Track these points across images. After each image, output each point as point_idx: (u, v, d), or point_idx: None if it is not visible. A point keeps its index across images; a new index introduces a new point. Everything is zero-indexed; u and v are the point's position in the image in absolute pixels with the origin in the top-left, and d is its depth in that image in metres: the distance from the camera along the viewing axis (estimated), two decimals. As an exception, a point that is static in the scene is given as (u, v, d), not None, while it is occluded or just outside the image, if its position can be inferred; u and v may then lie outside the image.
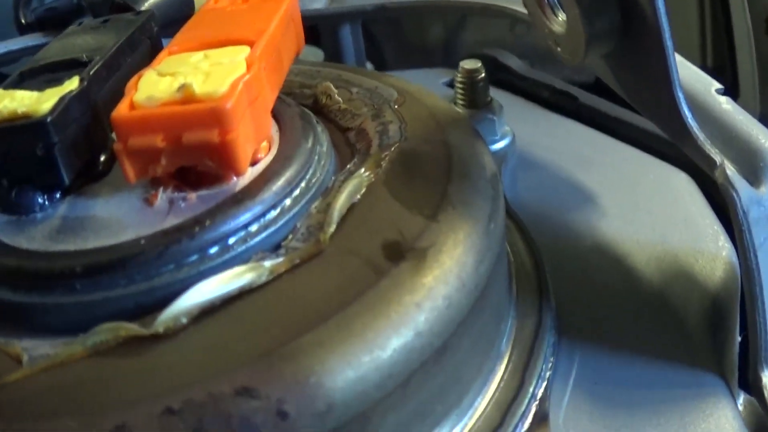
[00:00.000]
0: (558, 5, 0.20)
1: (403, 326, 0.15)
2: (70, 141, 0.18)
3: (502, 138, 0.26)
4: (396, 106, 0.22)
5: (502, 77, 0.30)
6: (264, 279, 0.16)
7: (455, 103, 0.27)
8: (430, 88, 0.30)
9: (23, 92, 0.19)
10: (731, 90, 0.37)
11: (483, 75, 0.26)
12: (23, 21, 0.35)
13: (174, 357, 0.15)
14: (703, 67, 0.37)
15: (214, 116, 0.17)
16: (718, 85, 0.22)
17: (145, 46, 0.23)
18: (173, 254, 0.16)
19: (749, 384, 0.20)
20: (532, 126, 0.28)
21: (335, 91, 0.22)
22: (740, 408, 0.20)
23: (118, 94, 0.21)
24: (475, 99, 0.26)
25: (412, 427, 0.16)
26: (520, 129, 0.27)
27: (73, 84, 0.19)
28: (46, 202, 0.19)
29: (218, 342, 0.15)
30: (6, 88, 0.20)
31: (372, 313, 0.15)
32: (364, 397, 0.14)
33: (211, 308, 0.16)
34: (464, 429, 0.17)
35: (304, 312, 0.15)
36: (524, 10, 0.25)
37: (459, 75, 0.27)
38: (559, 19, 0.20)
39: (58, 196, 0.19)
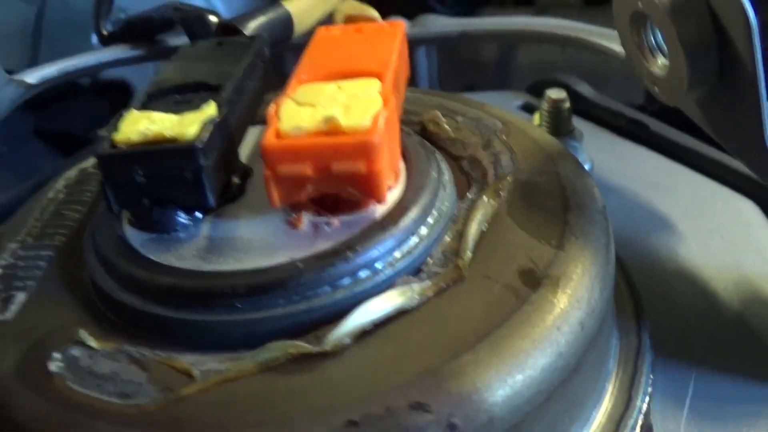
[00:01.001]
0: (658, 50, 0.22)
1: (548, 347, 0.17)
2: (214, 164, 0.20)
3: (584, 164, 0.29)
4: (503, 137, 0.24)
5: (574, 104, 0.32)
6: (416, 302, 0.18)
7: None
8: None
9: (161, 114, 0.21)
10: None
11: (568, 105, 0.29)
12: (104, 32, 0.36)
13: (343, 374, 0.17)
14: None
15: (363, 149, 0.19)
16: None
17: (261, 70, 0.25)
18: (329, 277, 0.18)
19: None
20: (607, 153, 0.31)
21: (443, 120, 0.25)
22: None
23: (244, 119, 0.23)
24: (560, 127, 0.29)
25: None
26: (595, 155, 0.30)
27: (211, 109, 0.21)
28: (189, 222, 0.21)
29: (382, 360, 0.17)
30: (138, 108, 0.22)
31: (520, 336, 0.17)
32: (517, 412, 0.17)
33: (370, 330, 0.18)
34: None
35: (458, 333, 0.17)
36: (614, 47, 0.27)
37: (545, 104, 0.29)
38: (659, 62, 0.23)
39: (199, 216, 0.21)
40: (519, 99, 0.35)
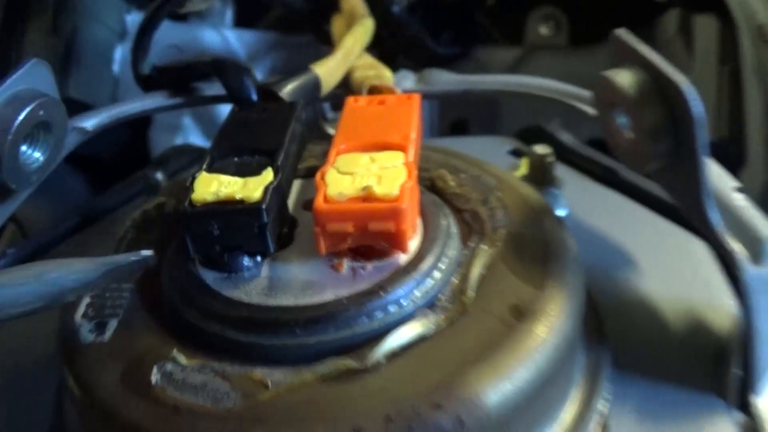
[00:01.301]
0: (628, 129, 0.29)
1: (530, 365, 0.23)
2: (272, 220, 0.26)
3: (562, 208, 0.35)
4: (499, 193, 0.30)
5: (557, 151, 0.38)
6: (432, 331, 0.24)
7: (527, 176, 0.36)
8: (498, 156, 0.38)
9: (228, 177, 0.27)
10: (740, 157, 0.46)
11: (552, 159, 0.35)
12: (142, 75, 0.40)
13: (379, 384, 0.23)
14: (718, 138, 0.46)
15: (393, 213, 0.25)
16: (737, 184, 0.31)
17: (301, 133, 0.31)
18: (366, 311, 0.24)
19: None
20: (583, 197, 0.37)
21: (450, 177, 0.31)
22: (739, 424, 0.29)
23: (290, 177, 0.29)
24: (545, 177, 0.35)
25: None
26: (573, 199, 0.36)
27: (269, 175, 0.27)
28: (252, 265, 0.27)
29: (409, 374, 0.23)
30: (207, 171, 0.28)
31: (509, 356, 0.23)
32: (506, 411, 0.23)
33: (399, 350, 0.24)
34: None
35: (464, 353, 0.23)
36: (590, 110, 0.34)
37: (533, 157, 0.35)
38: (626, 139, 0.29)
39: (259, 260, 0.27)
40: (508, 144, 0.41)
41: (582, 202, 0.36)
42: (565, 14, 0.63)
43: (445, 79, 0.38)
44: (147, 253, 0.25)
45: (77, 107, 0.57)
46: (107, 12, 0.57)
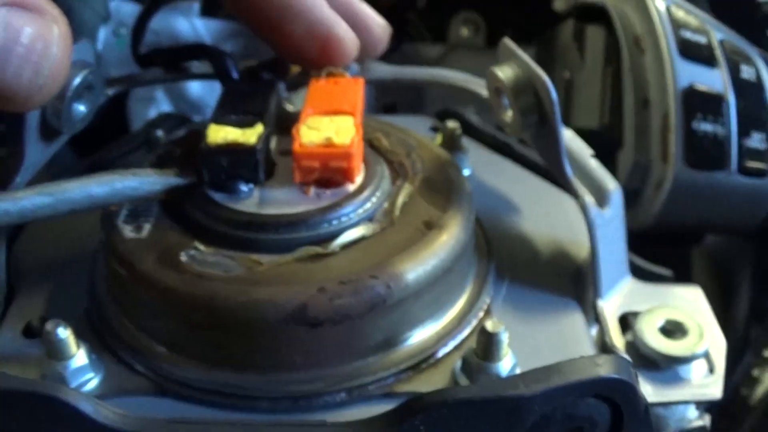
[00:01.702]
0: (507, 107, 0.41)
1: (436, 257, 0.35)
2: (263, 158, 0.38)
3: (467, 169, 0.48)
4: (418, 151, 0.42)
5: (465, 129, 0.51)
6: (371, 233, 0.36)
7: (441, 144, 0.48)
8: (421, 131, 0.51)
9: (232, 128, 0.39)
10: (618, 141, 0.59)
11: (460, 132, 0.47)
12: (139, 54, 0.50)
13: (337, 263, 0.34)
14: (601, 125, 0.59)
15: (347, 155, 0.36)
16: (591, 152, 0.44)
17: (277, 100, 0.43)
18: (327, 219, 0.36)
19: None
20: (482, 162, 0.49)
21: (383, 137, 0.43)
22: (593, 332, 0.42)
23: (272, 132, 0.41)
24: (454, 145, 0.47)
25: (424, 312, 0.36)
26: (474, 163, 0.49)
27: (260, 127, 0.39)
28: (247, 189, 0.39)
29: (355, 258, 0.35)
30: (215, 123, 0.39)
31: (423, 250, 0.35)
32: (419, 285, 0.34)
33: (349, 244, 0.36)
34: (445, 319, 0.38)
35: (393, 248, 0.35)
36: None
37: (446, 129, 0.48)
38: (507, 114, 0.41)
39: (252, 186, 0.39)
40: (429, 123, 0.54)
41: (482, 165, 0.49)
42: (484, 19, 0.75)
43: (381, 69, 0.50)
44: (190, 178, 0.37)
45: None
46: (94, -3, 0.67)
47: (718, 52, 0.55)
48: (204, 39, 0.73)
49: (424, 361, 0.36)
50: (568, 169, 0.40)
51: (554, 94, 0.38)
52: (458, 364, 0.35)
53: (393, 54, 0.63)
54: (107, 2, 0.69)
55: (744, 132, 0.54)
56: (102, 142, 0.54)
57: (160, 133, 0.49)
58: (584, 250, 0.43)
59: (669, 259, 0.49)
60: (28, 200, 0.34)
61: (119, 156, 0.51)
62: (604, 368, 0.28)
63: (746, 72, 0.56)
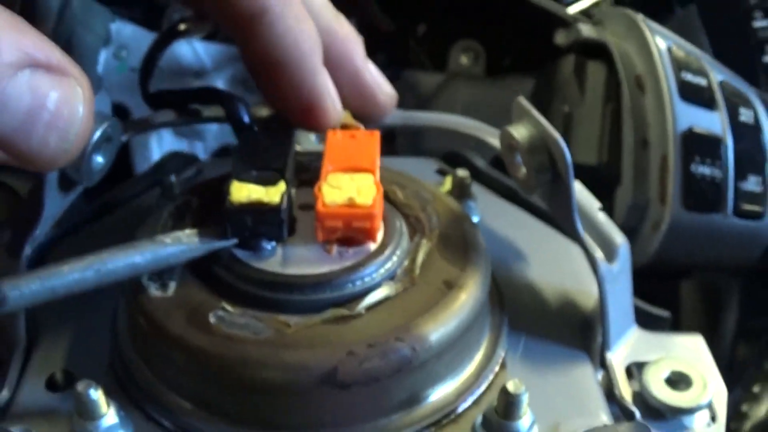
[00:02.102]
0: (521, 166, 0.43)
1: (457, 317, 0.37)
2: (286, 217, 0.40)
3: (476, 216, 0.50)
4: (433, 205, 0.44)
5: (473, 173, 0.53)
6: (394, 294, 0.38)
7: (450, 191, 0.50)
8: (426, 175, 0.53)
9: (254, 186, 0.40)
10: (616, 178, 0.61)
11: (470, 181, 0.49)
12: (148, 93, 0.50)
13: (363, 325, 0.35)
14: (599, 162, 0.61)
15: (369, 216, 0.38)
16: (599, 205, 0.46)
17: (294, 152, 0.44)
18: (351, 279, 0.37)
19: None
20: (490, 208, 0.51)
21: (399, 191, 0.45)
22: (599, 378, 0.43)
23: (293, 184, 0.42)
24: (464, 193, 0.49)
25: (445, 370, 0.38)
26: (483, 210, 0.50)
27: (282, 185, 0.40)
28: (270, 247, 0.40)
29: (380, 320, 0.37)
30: (237, 180, 0.41)
31: (445, 311, 0.37)
32: (441, 345, 0.36)
33: (373, 305, 0.38)
34: (464, 375, 0.40)
35: (416, 308, 0.37)
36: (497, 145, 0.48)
37: (455, 178, 0.50)
38: (521, 171, 0.43)
39: (275, 244, 0.40)
40: (435, 165, 0.56)
41: (490, 211, 0.51)
42: (484, 48, 0.76)
43: (392, 116, 0.52)
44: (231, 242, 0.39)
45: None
46: (95, 21, 0.67)
47: (718, 95, 0.57)
48: (204, 62, 0.74)
49: (445, 417, 0.37)
50: (580, 227, 0.42)
51: (568, 155, 0.40)
52: (478, 419, 0.36)
53: (394, 82, 0.65)
54: (108, 25, 0.70)
55: (741, 175, 0.56)
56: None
57: (173, 178, 0.50)
58: (592, 299, 0.45)
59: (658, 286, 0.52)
60: (73, 277, 0.35)
61: (129, 198, 0.53)
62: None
63: (744, 114, 0.58)
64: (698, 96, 0.57)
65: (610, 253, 0.43)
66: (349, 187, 0.40)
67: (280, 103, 0.45)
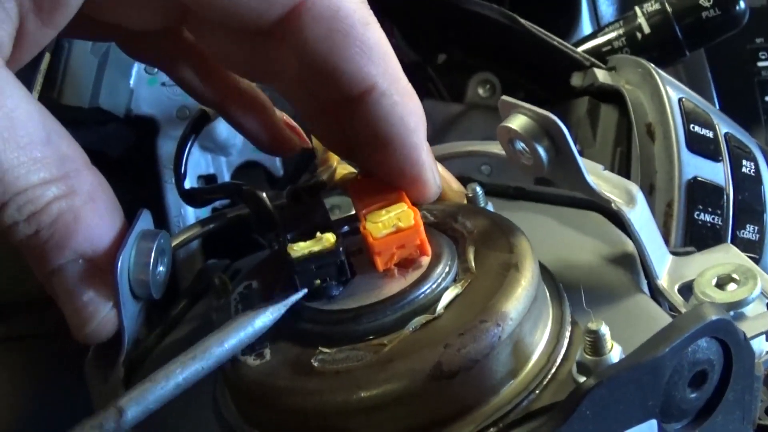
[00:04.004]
0: (525, 153, 0.50)
1: (524, 287, 0.43)
2: (346, 257, 0.46)
3: (498, 217, 0.56)
4: (461, 214, 0.50)
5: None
6: (462, 290, 0.44)
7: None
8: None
9: (308, 242, 0.46)
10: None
11: (482, 190, 0.56)
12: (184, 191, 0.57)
13: (448, 322, 0.41)
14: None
15: (417, 232, 0.45)
16: (602, 166, 0.53)
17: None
18: (424, 290, 0.43)
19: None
20: (505, 209, 0.58)
21: (428, 213, 0.51)
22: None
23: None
24: (479, 202, 0.56)
25: (530, 338, 0.44)
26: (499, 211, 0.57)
27: (331, 234, 0.47)
28: (338, 291, 0.46)
29: (459, 313, 0.43)
30: (291, 243, 0.47)
31: (513, 287, 0.43)
32: (519, 318, 0.42)
33: (449, 304, 0.44)
34: (545, 338, 0.46)
35: (487, 295, 0.42)
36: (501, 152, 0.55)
37: (469, 193, 0.57)
38: (525, 158, 0.50)
39: (342, 287, 0.46)
40: None
41: (507, 211, 0.58)
42: (500, 81, 0.84)
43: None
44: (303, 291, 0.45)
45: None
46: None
47: (723, 147, 0.65)
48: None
49: (544, 377, 0.43)
50: (594, 185, 0.48)
51: (563, 126, 0.47)
52: (574, 369, 0.42)
53: None
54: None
55: (740, 224, 0.63)
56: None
57: (217, 281, 0.56)
58: (626, 247, 0.51)
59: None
60: (183, 375, 0.40)
61: (182, 315, 0.59)
62: (709, 313, 0.37)
63: (746, 166, 0.66)
64: (704, 147, 0.64)
65: (629, 199, 0.49)
66: (388, 217, 0.46)
67: (382, 175, 0.48)
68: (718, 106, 0.92)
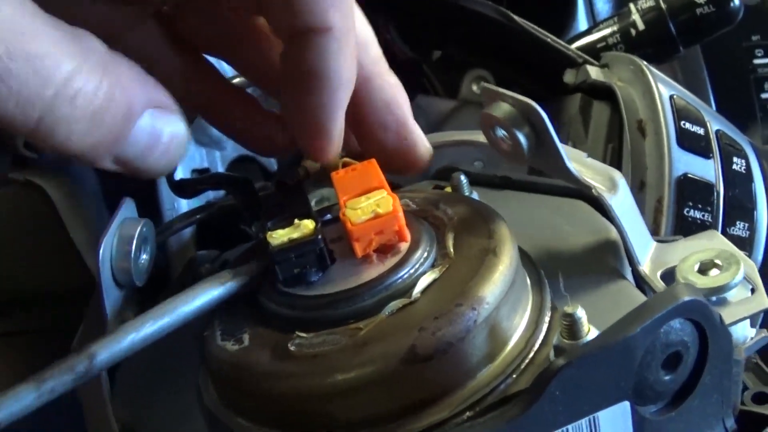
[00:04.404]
0: (506, 140, 0.50)
1: (501, 272, 0.43)
2: (325, 245, 0.46)
3: (483, 206, 0.57)
4: (442, 201, 0.51)
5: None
6: (439, 274, 0.45)
7: (453, 194, 0.57)
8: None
9: (286, 230, 0.47)
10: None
11: (467, 179, 0.57)
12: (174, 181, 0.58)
13: (424, 306, 0.41)
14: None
15: (395, 218, 0.45)
16: (584, 153, 0.53)
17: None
18: (401, 275, 0.43)
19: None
20: (489, 198, 0.58)
21: (409, 200, 0.52)
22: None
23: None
24: (463, 190, 0.57)
25: (507, 323, 0.44)
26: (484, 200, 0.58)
27: (310, 222, 0.47)
28: (317, 277, 0.46)
29: (436, 297, 0.43)
30: (271, 230, 0.47)
31: (490, 271, 0.43)
32: (495, 302, 0.42)
33: (426, 288, 0.44)
34: (523, 324, 0.46)
35: (464, 279, 0.43)
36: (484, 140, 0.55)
37: (452, 181, 0.57)
38: (505, 145, 0.51)
39: (321, 273, 0.47)
40: (430, 185, 0.62)
41: (491, 200, 0.58)
42: (495, 78, 0.85)
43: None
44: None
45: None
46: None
47: (714, 144, 0.66)
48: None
49: (521, 362, 0.43)
50: (576, 172, 0.49)
51: (544, 114, 0.47)
52: (551, 353, 0.43)
53: None
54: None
55: (730, 221, 0.64)
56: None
57: (203, 270, 0.57)
58: (610, 234, 0.52)
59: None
60: (152, 325, 0.42)
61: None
62: (682, 293, 0.37)
63: (737, 164, 0.66)
64: (695, 144, 0.65)
65: (611, 185, 0.50)
66: (368, 204, 0.46)
67: (381, 154, 0.52)
68: (714, 104, 0.93)
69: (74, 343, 0.51)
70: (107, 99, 0.38)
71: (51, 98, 0.36)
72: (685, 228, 0.63)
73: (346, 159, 0.53)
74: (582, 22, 0.97)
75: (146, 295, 0.53)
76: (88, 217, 0.75)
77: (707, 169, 0.62)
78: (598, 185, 0.49)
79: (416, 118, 0.59)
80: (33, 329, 0.90)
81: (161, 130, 0.42)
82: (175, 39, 0.55)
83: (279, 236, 0.46)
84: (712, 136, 0.66)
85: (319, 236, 0.45)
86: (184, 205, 0.81)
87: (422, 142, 0.54)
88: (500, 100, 0.49)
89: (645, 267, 0.49)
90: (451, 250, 0.46)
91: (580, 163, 0.51)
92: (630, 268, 0.51)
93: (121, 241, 0.47)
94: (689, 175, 0.61)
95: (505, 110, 0.49)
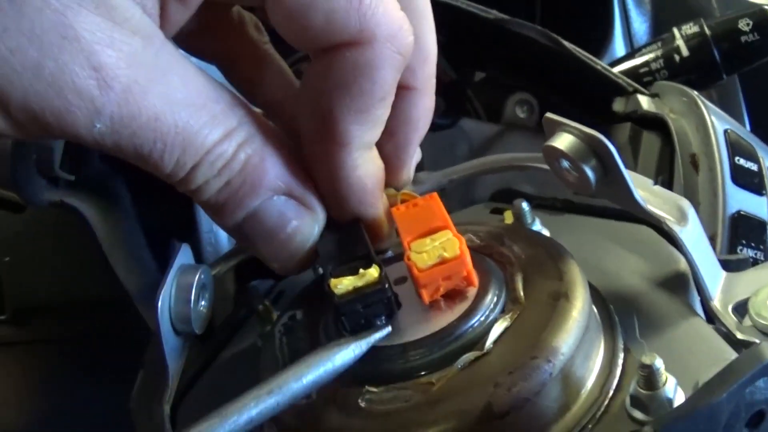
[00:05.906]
0: (571, 171, 0.51)
1: (575, 319, 0.43)
2: (392, 293, 0.47)
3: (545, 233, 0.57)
4: (507, 236, 0.52)
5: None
6: (511, 322, 0.45)
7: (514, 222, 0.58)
8: (484, 217, 0.60)
9: (351, 277, 0.47)
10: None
11: (529, 206, 0.57)
12: None
13: (497, 358, 0.42)
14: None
15: (462, 263, 0.46)
16: (651, 180, 0.53)
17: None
18: (472, 324, 0.44)
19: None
20: (552, 224, 0.59)
21: (474, 236, 0.52)
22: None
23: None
24: (526, 218, 0.57)
25: (581, 370, 0.45)
26: (548, 227, 0.58)
27: (375, 266, 0.48)
28: (386, 323, 0.47)
29: (510, 348, 0.44)
30: (333, 277, 0.48)
31: (563, 319, 0.44)
32: (571, 351, 0.43)
33: (498, 339, 0.45)
34: (597, 369, 0.47)
35: (536, 327, 0.43)
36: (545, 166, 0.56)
37: (514, 209, 0.58)
38: (572, 176, 0.51)
39: (387, 321, 0.48)
40: (487, 209, 0.63)
41: (555, 227, 0.59)
42: (538, 102, 0.85)
43: (432, 177, 0.60)
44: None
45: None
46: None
47: (766, 180, 0.65)
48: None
49: (597, 411, 0.44)
50: (644, 203, 0.49)
51: (611, 146, 0.47)
52: (627, 402, 0.43)
53: (450, 128, 0.71)
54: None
55: None
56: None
57: (261, 306, 0.58)
58: (679, 264, 0.52)
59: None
60: (262, 406, 0.41)
61: (227, 340, 0.60)
62: (765, 353, 0.38)
63: None
64: (749, 180, 0.65)
65: (680, 216, 0.50)
66: (433, 247, 0.47)
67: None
68: (749, 128, 0.93)
69: (134, 393, 0.52)
70: (241, 171, 0.41)
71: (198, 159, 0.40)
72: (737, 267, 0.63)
73: (406, 192, 0.54)
74: (618, 42, 0.95)
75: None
76: (123, 236, 0.77)
77: (760, 207, 0.63)
78: (667, 216, 0.49)
79: (459, 141, 0.59)
80: (57, 339, 0.93)
81: (288, 220, 0.44)
82: None
83: (344, 286, 0.46)
84: (765, 173, 0.66)
85: (386, 285, 0.46)
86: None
87: (408, 170, 0.53)
88: (563, 131, 0.50)
89: (716, 301, 0.49)
90: (521, 293, 0.47)
91: (647, 191, 0.51)
92: (699, 298, 0.51)
93: (179, 288, 0.48)
94: (743, 213, 0.61)
95: (570, 142, 0.49)
